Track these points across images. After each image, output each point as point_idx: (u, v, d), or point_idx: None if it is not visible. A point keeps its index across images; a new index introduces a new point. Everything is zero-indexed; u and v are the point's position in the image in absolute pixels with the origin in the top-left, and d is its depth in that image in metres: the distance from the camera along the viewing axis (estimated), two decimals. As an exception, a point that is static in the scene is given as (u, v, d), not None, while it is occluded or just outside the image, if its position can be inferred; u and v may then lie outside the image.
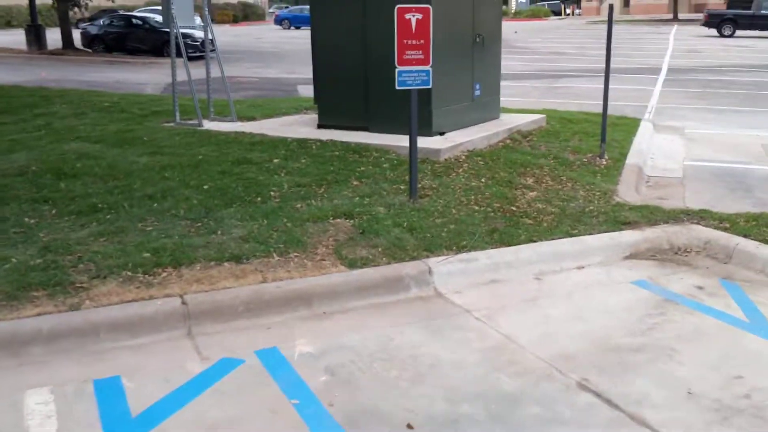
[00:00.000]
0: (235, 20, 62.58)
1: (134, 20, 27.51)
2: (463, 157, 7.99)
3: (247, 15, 66.75)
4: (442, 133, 8.56)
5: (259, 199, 6.23)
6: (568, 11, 70.76)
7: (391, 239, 5.43)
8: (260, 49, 31.62)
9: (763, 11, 33.59)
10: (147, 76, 19.46)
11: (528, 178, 7.43)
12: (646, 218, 6.32)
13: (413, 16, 6.03)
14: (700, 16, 51.01)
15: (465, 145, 8.23)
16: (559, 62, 23.78)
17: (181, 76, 10.37)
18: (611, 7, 8.19)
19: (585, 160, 8.47)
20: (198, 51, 26.68)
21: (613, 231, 6.00)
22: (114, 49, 27.00)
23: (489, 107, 9.76)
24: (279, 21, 53.26)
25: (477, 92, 9.39)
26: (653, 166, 9.08)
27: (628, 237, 5.93)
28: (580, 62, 23.63)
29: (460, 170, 7.49)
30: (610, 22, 8.22)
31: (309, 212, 5.91)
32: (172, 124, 9.71)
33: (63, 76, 18.95)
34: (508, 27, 46.73)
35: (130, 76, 19.32)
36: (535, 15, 61.67)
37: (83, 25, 29.17)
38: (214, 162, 7.30)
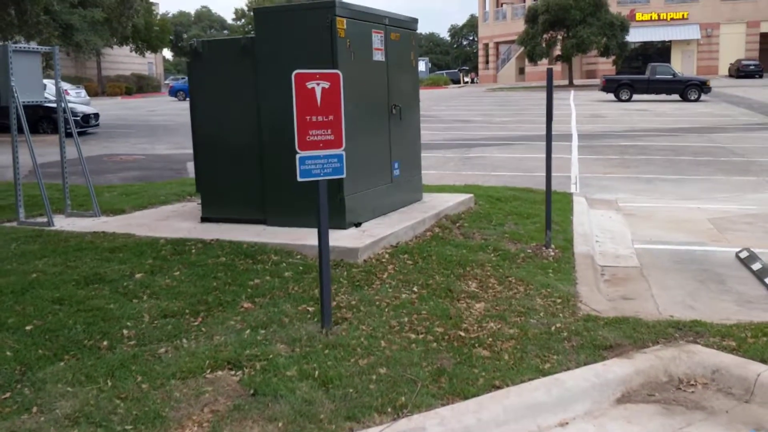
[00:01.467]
0: (129, 92, 59.99)
1: (7, 94, 24.92)
2: (387, 255, 6.39)
3: (141, 87, 64.27)
4: (358, 224, 6.97)
5: (105, 343, 4.37)
6: (467, 79, 72.18)
7: (296, 404, 3.70)
8: (151, 122, 29.52)
9: (657, 76, 34.51)
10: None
11: (470, 282, 5.89)
12: (629, 337, 4.87)
13: (317, 84, 4.47)
14: (593, 81, 52.86)
15: (387, 239, 6.65)
16: (468, 130, 22.99)
17: (68, 154, 8.41)
18: (550, 71, 6.96)
19: (529, 250, 7.05)
20: (79, 126, 24.43)
21: (595, 362, 4.50)
22: (-17, 126, 24.25)
23: (411, 188, 8.28)
24: (174, 92, 51.22)
25: (396, 172, 7.90)
26: (603, 253, 7.80)
27: (616, 370, 4.44)
28: (488, 130, 22.92)
29: (385, 276, 5.87)
30: (549, 88, 6.97)
31: (177, 363, 4.10)
32: (14, 224, 7.68)
33: None
34: (410, 95, 46.66)
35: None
36: (435, 83, 62.29)
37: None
38: (52, 283, 5.37)
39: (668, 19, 60.38)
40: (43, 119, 23.66)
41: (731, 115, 26.51)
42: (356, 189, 7.03)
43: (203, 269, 5.81)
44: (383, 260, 6.25)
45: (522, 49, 56.70)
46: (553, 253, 7.03)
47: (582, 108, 31.68)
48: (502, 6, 71.81)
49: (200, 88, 7.29)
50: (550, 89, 6.95)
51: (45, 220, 7.50)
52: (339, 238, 6.40)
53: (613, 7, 53.13)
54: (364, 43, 7.13)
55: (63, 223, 7.76)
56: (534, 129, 22.42)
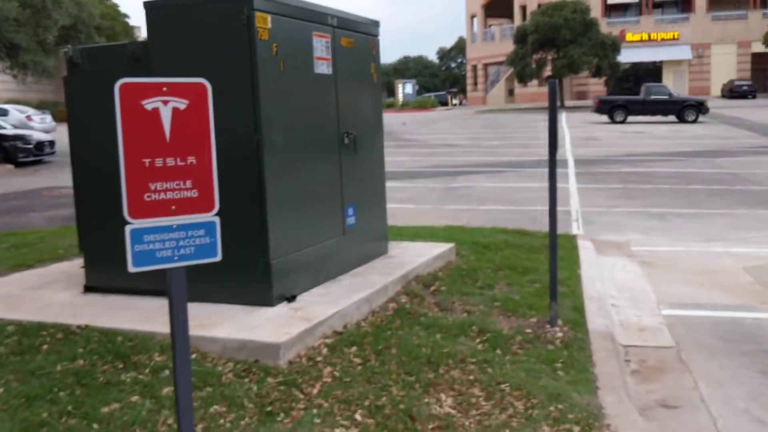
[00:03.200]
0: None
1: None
2: (326, 350, 4.45)
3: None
4: (291, 298, 5.04)
5: None
6: (455, 101, 70.66)
7: None
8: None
9: (653, 97, 32.92)
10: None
11: (443, 396, 3.95)
12: None
13: (164, 103, 2.55)
14: (585, 102, 51.34)
15: (330, 321, 4.71)
16: (454, 156, 21.17)
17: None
18: (553, 83, 5.08)
19: (528, 330, 5.13)
20: (32, 155, 22.45)
21: None
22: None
23: (371, 239, 6.37)
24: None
25: (350, 219, 5.99)
26: (624, 324, 5.90)
27: None
28: (475, 155, 21.10)
29: (316, 390, 3.92)
30: (552, 102, 5.10)
31: None
32: None
33: None
34: (396, 118, 44.88)
35: None
36: (422, 106, 60.69)
37: None
38: None
39: (659, 39, 59.14)
40: (-2, 148, 21.71)
41: (734, 137, 24.83)
42: (290, 248, 5.11)
43: (43, 383, 3.84)
44: (319, 359, 4.30)
45: (511, 70, 55.27)
46: (560, 334, 5.11)
47: (576, 130, 30.03)
48: (490, 27, 70.57)
49: (78, 110, 5.38)
50: (553, 104, 5.09)
51: None
52: (256, 326, 4.47)
53: (603, 27, 51.76)
54: (301, 50, 5.26)
55: None
56: (525, 154, 20.62)
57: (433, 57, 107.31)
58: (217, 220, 2.69)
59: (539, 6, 52.58)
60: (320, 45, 5.46)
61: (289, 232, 5.10)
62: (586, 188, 13.88)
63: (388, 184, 6.94)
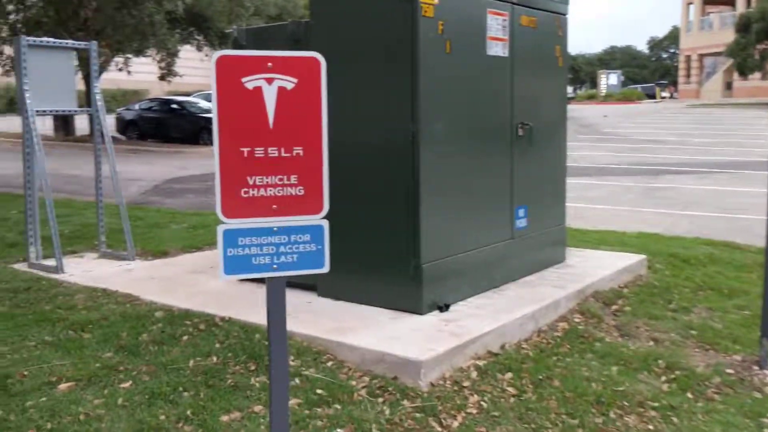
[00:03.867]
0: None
1: (172, 105, 24.97)
2: (475, 374, 3.86)
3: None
4: (444, 307, 4.50)
5: None
6: (664, 94, 65.74)
7: None
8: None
9: None
10: (149, 170, 16.37)
11: (611, 450, 3.23)
12: None
13: (268, 81, 2.12)
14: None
15: (484, 339, 4.12)
16: (657, 152, 19.36)
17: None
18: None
19: (730, 371, 4.18)
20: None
21: None
22: (149, 136, 24.44)
23: (545, 244, 5.65)
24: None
25: (521, 222, 5.33)
26: None
27: None
28: (682, 153, 19.14)
29: (457, 423, 3.36)
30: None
31: None
32: (23, 267, 6.04)
33: (54, 169, 16.08)
34: (596, 110, 42.47)
35: (135, 169, 16.25)
36: (626, 98, 57.08)
37: (120, 109, 26.95)
38: None
39: None
40: (204, 130, 23.27)
41: None
42: (446, 250, 4.57)
43: (170, 380, 3.65)
44: (465, 384, 3.72)
45: (730, 61, 50.24)
46: (773, 381, 4.11)
47: (806, 129, 26.45)
48: (708, 15, 64.73)
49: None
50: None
51: (55, 263, 5.79)
52: (399, 336, 3.99)
53: None
54: (472, 29, 4.68)
55: (83, 266, 6.03)
56: (741, 154, 18.36)
57: (642, 47, 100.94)
58: (325, 224, 2.22)
59: (769, -10, 47.16)
60: (495, 23, 4.84)
61: (447, 233, 4.57)
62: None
63: (579, 180, 6.19)
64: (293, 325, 4.20)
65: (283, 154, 2.17)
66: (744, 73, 47.18)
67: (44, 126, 26.59)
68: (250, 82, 2.11)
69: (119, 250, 6.55)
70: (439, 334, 4.06)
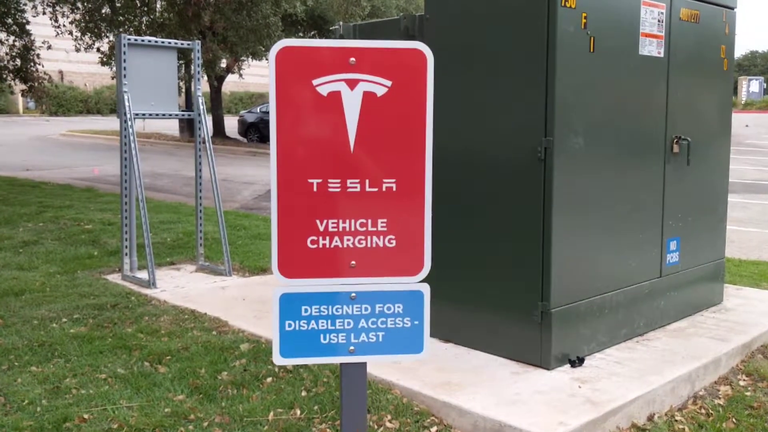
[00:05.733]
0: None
1: (293, 107, 25.02)
2: (616, 454, 3.06)
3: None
4: (575, 362, 3.70)
5: None
6: (814, 102, 60.26)
7: None
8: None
9: None
10: (266, 174, 16.28)
11: None
12: None
13: (350, 82, 1.47)
14: None
15: (629, 408, 3.29)
16: (813, 168, 17.33)
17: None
18: None
19: None
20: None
21: None
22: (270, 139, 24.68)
23: (699, 283, 4.70)
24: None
25: (672, 257, 4.42)
26: None
27: None
28: (842, 169, 17.03)
29: None
30: None
31: None
32: (116, 278, 5.73)
33: (173, 170, 16.35)
34: (737, 120, 39.24)
35: (252, 173, 16.22)
36: (770, 107, 52.71)
37: (243, 112, 27.39)
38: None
39: None
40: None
41: None
42: (580, 292, 3.77)
43: (244, 436, 3.08)
44: (604, 471, 2.93)
45: None
46: None
47: None
48: None
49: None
50: None
51: (147, 277, 5.43)
52: (520, 400, 3.24)
53: None
54: (621, 24, 3.85)
55: (178, 281, 5.66)
56: None
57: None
58: (425, 289, 1.54)
59: None
60: (650, 17, 3.98)
61: (582, 272, 3.76)
62: None
63: (726, 200, 5.18)
64: (392, 372, 3.56)
65: (369, 189, 1.51)
66: None
67: (169, 126, 27.55)
68: (325, 86, 1.47)
69: (218, 262, 6.15)
70: (571, 399, 3.27)
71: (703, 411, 3.57)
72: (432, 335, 4.03)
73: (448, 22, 3.94)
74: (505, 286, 3.76)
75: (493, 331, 3.83)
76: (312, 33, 24.41)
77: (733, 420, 3.50)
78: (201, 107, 5.86)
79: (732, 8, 4.73)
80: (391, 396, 3.41)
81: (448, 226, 3.96)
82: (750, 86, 61.85)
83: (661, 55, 4.13)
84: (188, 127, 24.91)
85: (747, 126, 33.55)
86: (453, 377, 3.53)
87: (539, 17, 3.48)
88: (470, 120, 3.87)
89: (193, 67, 6.00)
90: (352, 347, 1.59)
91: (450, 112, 3.92)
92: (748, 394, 3.79)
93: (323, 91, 1.49)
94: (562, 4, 3.45)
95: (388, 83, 1.52)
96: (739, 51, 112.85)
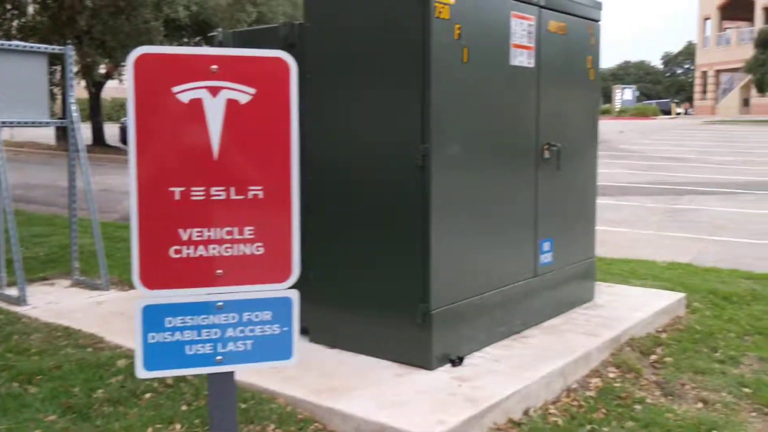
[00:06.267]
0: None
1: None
2: (493, 449, 3.17)
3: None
4: (456, 361, 3.81)
5: None
6: (680, 110, 64.84)
7: None
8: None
9: None
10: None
11: None
12: None
13: (216, 93, 1.46)
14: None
15: (506, 404, 3.42)
16: (678, 171, 18.61)
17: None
18: None
19: (802, 447, 3.47)
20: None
21: None
22: (154, 146, 23.88)
23: (571, 282, 4.96)
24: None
25: (546, 257, 4.64)
26: None
27: None
28: (704, 171, 18.38)
29: None
30: None
31: None
32: (-17, 294, 5.40)
33: (49, 180, 15.54)
34: (612, 126, 41.61)
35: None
36: (642, 113, 56.19)
37: (124, 119, 26.47)
38: None
39: None
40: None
41: None
42: (460, 293, 3.89)
43: (120, 455, 2.98)
44: (481, 467, 3.04)
45: (748, 77, 49.37)
46: None
47: (830, 148, 25.62)
48: (726, 30, 63.87)
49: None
50: None
51: (17, 294, 5.14)
52: (402, 401, 3.30)
53: None
54: (493, 35, 4.02)
55: (51, 297, 5.39)
56: (765, 173, 17.60)
57: (656, 62, 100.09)
58: (294, 296, 1.55)
59: (788, 6, 46.47)
60: (520, 29, 4.18)
61: (461, 273, 3.88)
62: None
63: (599, 201, 5.49)
64: (276, 381, 3.54)
65: (235, 197, 1.51)
66: (762, 89, 46.30)
67: (45, 135, 26.15)
68: (185, 93, 1.45)
69: (95, 276, 5.90)
70: (451, 398, 3.37)
71: (575, 403, 3.76)
72: (317, 341, 4.06)
73: (327, 31, 3.97)
74: (387, 290, 3.83)
75: (377, 335, 3.88)
76: (198, 39, 23.88)
77: (603, 410, 3.71)
78: (74, 114, 5.62)
79: (597, 21, 5.03)
80: (275, 405, 3.39)
81: (333, 232, 3.99)
82: (624, 94, 65.75)
83: (532, 65, 4.34)
84: (64, 135, 23.78)
85: (621, 132, 35.63)
86: (337, 382, 3.55)
87: (414, 28, 3.58)
88: (352, 127, 3.92)
89: (65, 73, 5.74)
90: (219, 357, 1.58)
91: (332, 120, 3.95)
92: (617, 385, 4.03)
93: (184, 98, 1.48)
94: (436, 16, 3.56)
95: (252, 91, 1.52)
96: (614, 61, 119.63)
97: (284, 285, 1.59)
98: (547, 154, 4.53)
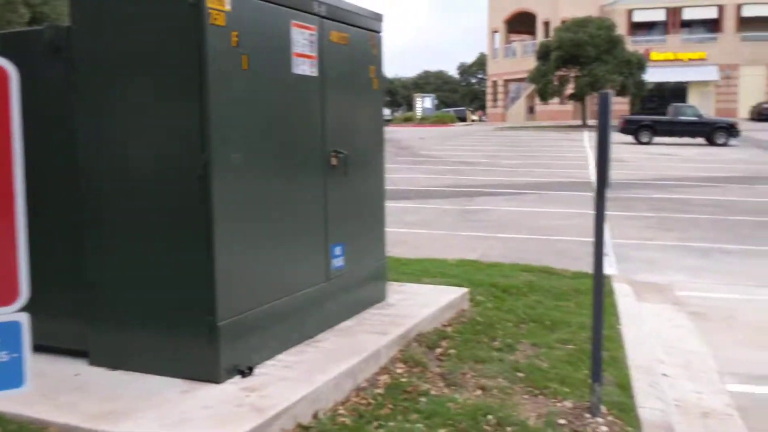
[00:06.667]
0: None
1: None
2: (281, 455, 3.19)
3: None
4: (245, 372, 3.78)
5: None
6: (474, 117, 69.33)
7: None
8: None
9: (681, 117, 31.48)
10: None
11: None
12: None
13: None
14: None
15: (294, 410, 3.45)
16: (471, 174, 19.91)
17: None
18: (605, 96, 3.80)
19: (562, 423, 3.85)
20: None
21: None
22: None
23: (363, 284, 5.12)
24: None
25: (337, 261, 4.75)
26: (682, 405, 4.59)
27: None
28: (494, 174, 19.84)
29: None
30: (603, 119, 3.83)
31: None
32: None
33: None
34: (414, 133, 43.54)
35: None
36: (441, 120, 59.42)
37: None
38: None
39: (685, 59, 57.52)
40: None
41: (770, 162, 23.39)
42: (248, 302, 3.86)
43: None
44: (269, 474, 3.04)
45: (532, 87, 53.87)
46: (605, 429, 3.83)
47: (599, 151, 28.55)
48: (512, 42, 69.29)
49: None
50: (604, 123, 3.82)
51: None
52: (187, 418, 3.22)
53: (628, 46, 50.24)
54: (274, 43, 4.04)
55: None
56: (547, 174, 19.36)
57: (453, 72, 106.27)
58: (23, 320, 1.45)
59: (563, 22, 51.32)
60: (302, 38, 4.24)
61: (249, 283, 3.86)
62: (616, 216, 12.51)
63: (398, 204, 5.75)
64: (47, 410, 3.30)
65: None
66: (545, 98, 50.65)
67: None
68: None
69: None
70: (237, 410, 3.33)
71: (364, 401, 3.88)
72: (99, 364, 3.84)
73: (99, 35, 3.78)
74: (174, 304, 3.71)
75: (164, 352, 3.75)
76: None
77: (390, 406, 3.87)
78: None
79: (378, 32, 5.24)
80: (43, 435, 3.16)
81: (116, 246, 3.80)
82: (424, 102, 69.00)
83: (315, 74, 4.42)
84: None
85: (422, 138, 37.38)
86: (119, 405, 3.38)
87: (188, 35, 3.50)
88: (131, 137, 3.75)
89: None
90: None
91: (109, 130, 3.76)
92: (404, 380, 4.22)
93: None
94: (211, 23, 3.51)
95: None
96: (414, 71, 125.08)
97: (12, 308, 1.48)
98: (334, 161, 4.63)
